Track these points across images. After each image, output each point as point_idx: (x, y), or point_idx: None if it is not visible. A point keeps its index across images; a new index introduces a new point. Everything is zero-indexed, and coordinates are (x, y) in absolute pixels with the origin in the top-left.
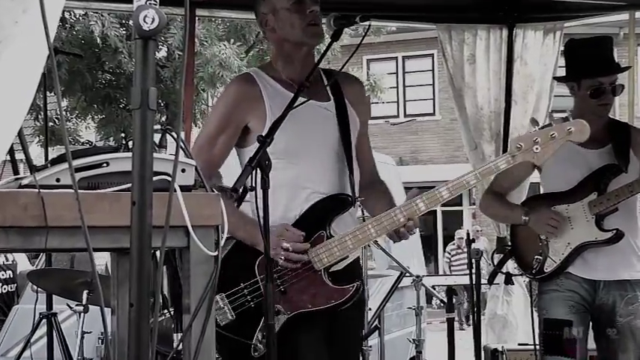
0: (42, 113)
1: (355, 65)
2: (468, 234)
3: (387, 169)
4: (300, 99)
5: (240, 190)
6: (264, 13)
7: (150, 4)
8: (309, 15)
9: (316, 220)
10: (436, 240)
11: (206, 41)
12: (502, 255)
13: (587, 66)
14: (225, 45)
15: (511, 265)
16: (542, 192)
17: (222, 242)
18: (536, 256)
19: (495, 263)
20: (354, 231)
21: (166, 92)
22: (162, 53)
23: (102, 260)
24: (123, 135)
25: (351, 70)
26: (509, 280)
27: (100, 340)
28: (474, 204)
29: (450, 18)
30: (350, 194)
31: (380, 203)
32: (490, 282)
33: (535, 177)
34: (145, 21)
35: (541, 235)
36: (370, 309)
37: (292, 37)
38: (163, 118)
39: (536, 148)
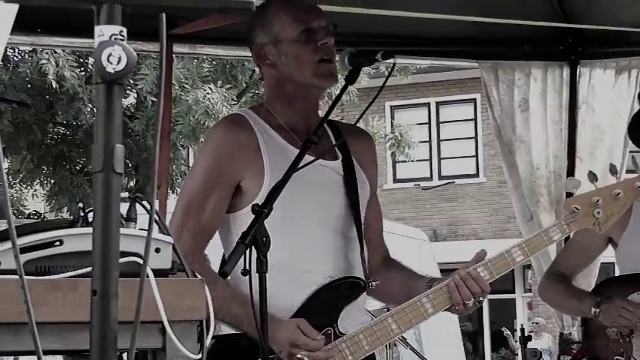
0: None
1: (376, 113)
2: (522, 330)
3: (418, 245)
4: (305, 157)
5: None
6: (262, 43)
7: (115, 39)
8: (320, 49)
9: (320, 313)
10: (482, 337)
11: (187, 84)
12: (570, 357)
13: None
14: (210, 88)
15: None
16: (618, 274)
17: (207, 342)
18: (616, 357)
19: None
20: (370, 327)
21: (136, 150)
22: (130, 100)
23: None
24: (80, 205)
25: (371, 120)
26: None
27: None
28: (529, 290)
29: (497, 53)
30: (361, 277)
31: (398, 288)
32: None
33: (607, 255)
34: (109, 61)
35: (621, 331)
36: None
37: (299, 76)
38: (132, 184)
39: (597, 212)
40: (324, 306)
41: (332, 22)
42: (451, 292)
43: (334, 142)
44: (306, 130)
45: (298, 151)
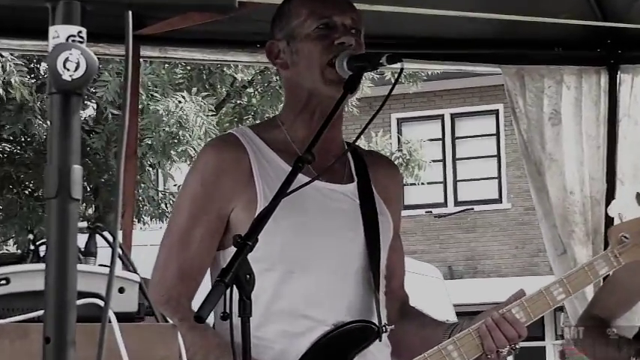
0: None
1: (381, 127)
2: None
3: (431, 284)
4: (302, 177)
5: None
6: (277, 38)
7: (73, 40)
8: (335, 49)
9: None
10: None
11: (156, 92)
12: None
13: None
14: (184, 96)
15: None
16: None
17: None
18: None
19: None
20: None
21: (96, 171)
22: (89, 112)
23: None
24: (31, 237)
25: (375, 135)
26: None
27: None
28: (561, 337)
29: (523, 57)
30: (375, 322)
31: (416, 341)
32: None
33: None
34: (65, 67)
35: None
36: None
37: (307, 80)
38: (91, 211)
39: None
40: (331, 355)
41: (359, 23)
42: (483, 337)
43: (352, 167)
44: (323, 152)
45: (304, 176)
